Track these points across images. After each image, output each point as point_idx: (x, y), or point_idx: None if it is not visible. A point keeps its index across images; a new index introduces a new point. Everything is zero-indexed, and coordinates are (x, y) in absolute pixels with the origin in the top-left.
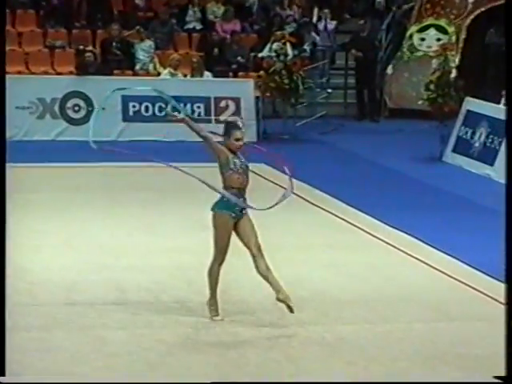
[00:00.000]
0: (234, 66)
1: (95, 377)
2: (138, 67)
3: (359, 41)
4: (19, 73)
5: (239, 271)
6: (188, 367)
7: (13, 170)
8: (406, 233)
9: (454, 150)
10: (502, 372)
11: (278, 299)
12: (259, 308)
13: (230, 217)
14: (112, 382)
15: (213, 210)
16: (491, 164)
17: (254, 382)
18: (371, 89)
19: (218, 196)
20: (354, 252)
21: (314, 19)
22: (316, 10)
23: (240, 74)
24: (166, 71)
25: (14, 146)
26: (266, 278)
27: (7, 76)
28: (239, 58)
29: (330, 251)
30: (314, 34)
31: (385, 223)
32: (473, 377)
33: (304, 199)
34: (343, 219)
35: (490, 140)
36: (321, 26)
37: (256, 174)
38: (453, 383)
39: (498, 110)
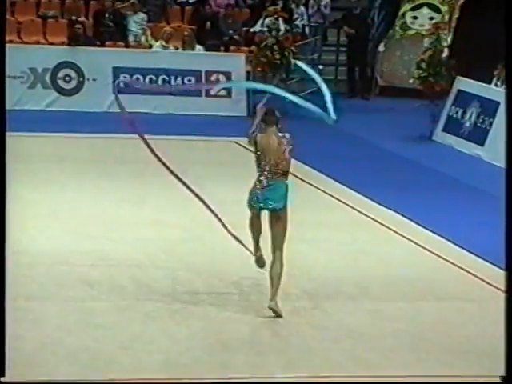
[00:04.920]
0: (226, 39)
1: (81, 346)
2: (130, 39)
3: (352, 18)
4: (11, 42)
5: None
6: (175, 340)
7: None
8: (395, 211)
9: (444, 130)
10: (487, 353)
11: (269, 307)
12: (248, 284)
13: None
14: (112, 382)
15: None
16: (481, 144)
17: (254, 382)
18: (362, 66)
19: None
20: (341, 229)
21: None
22: None
23: (231, 48)
24: (157, 44)
25: None
26: (271, 280)
27: None
28: (231, 32)
29: (317, 228)
30: (302, 8)
31: (373, 201)
32: (457, 357)
33: (292, 175)
34: (332, 196)
35: (480, 120)
36: (314, 2)
37: (245, 148)
38: (455, 383)
39: (489, 90)
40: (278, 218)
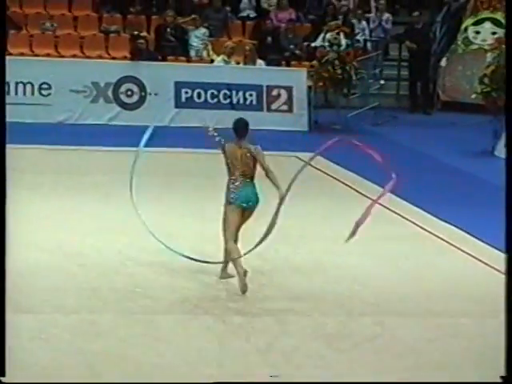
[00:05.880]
0: (287, 55)
1: (144, 361)
2: (191, 54)
3: (413, 32)
4: (74, 56)
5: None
6: (234, 356)
7: (66, 153)
8: (457, 227)
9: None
10: None
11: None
12: (309, 297)
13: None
14: (117, 382)
15: None
16: None
17: (252, 382)
18: (424, 81)
19: None
20: (403, 245)
21: (372, 11)
22: (372, 1)
23: (293, 63)
24: (219, 58)
25: (67, 129)
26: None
27: (62, 59)
28: (292, 46)
29: (379, 243)
30: (364, 22)
31: (435, 216)
32: None
33: (355, 190)
34: (394, 211)
35: None
36: (375, 16)
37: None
38: (455, 383)
39: None
40: (250, 214)
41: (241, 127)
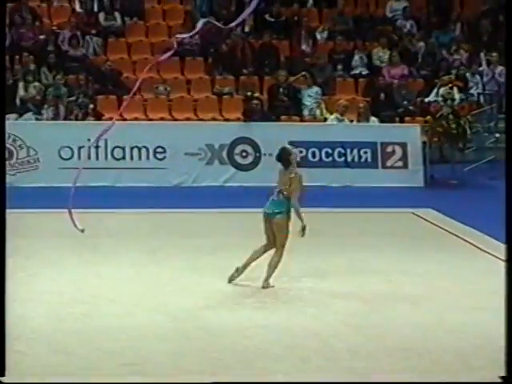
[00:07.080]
0: (401, 111)
1: None
2: (304, 113)
3: None
4: (188, 119)
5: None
6: None
7: (182, 216)
8: None
9: None
10: None
11: (263, 286)
12: (429, 353)
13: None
14: (110, 382)
15: None
16: None
17: (251, 381)
18: None
19: None
20: None
21: (483, 64)
22: (483, 55)
23: (407, 118)
24: (332, 117)
25: (183, 192)
26: (269, 266)
27: (176, 123)
28: (406, 102)
29: (498, 298)
30: (477, 76)
31: None
32: None
33: (473, 245)
34: None
35: None
36: (488, 69)
37: (423, 218)
38: (454, 383)
39: None
40: (270, 222)
41: (281, 160)
